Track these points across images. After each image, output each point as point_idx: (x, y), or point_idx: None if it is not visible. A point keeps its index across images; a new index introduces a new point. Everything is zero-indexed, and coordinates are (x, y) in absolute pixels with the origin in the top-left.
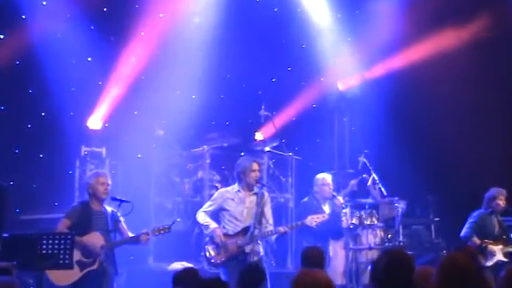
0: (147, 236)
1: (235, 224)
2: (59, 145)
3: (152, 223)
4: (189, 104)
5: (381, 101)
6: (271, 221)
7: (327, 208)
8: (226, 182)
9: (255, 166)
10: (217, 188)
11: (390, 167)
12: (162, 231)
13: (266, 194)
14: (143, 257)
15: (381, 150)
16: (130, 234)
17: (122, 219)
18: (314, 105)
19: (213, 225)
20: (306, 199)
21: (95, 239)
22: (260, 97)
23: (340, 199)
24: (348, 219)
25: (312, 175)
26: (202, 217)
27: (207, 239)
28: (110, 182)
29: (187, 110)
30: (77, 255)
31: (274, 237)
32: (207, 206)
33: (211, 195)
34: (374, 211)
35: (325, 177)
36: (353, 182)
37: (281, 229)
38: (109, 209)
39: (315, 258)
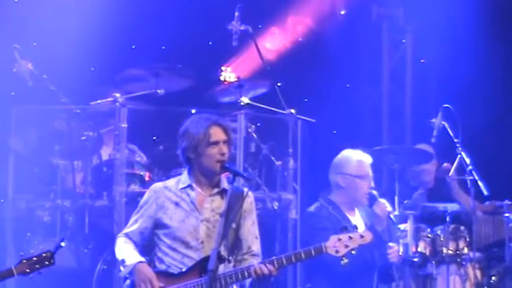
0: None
1: (182, 253)
2: None
3: (9, 250)
4: (86, 4)
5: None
6: (256, 245)
7: (358, 220)
8: (163, 169)
9: (218, 134)
10: (145, 183)
11: (496, 141)
12: (37, 267)
13: (246, 192)
14: None
15: (477, 104)
16: None
17: None
18: (342, 12)
19: (133, 258)
20: (313, 207)
21: None
22: None
23: (386, 204)
24: (408, 244)
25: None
26: (119, 245)
27: (128, 282)
28: None
29: (82, 20)
30: None
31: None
32: (131, 223)
33: (133, 197)
34: (462, 228)
35: (357, 158)
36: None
37: (269, 268)
38: None
39: None
